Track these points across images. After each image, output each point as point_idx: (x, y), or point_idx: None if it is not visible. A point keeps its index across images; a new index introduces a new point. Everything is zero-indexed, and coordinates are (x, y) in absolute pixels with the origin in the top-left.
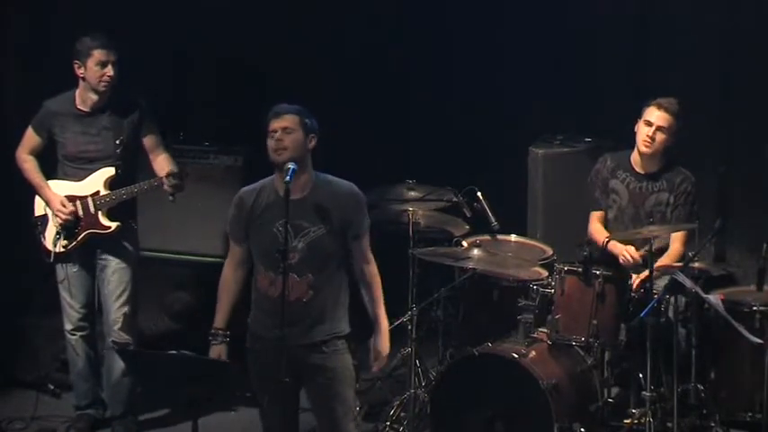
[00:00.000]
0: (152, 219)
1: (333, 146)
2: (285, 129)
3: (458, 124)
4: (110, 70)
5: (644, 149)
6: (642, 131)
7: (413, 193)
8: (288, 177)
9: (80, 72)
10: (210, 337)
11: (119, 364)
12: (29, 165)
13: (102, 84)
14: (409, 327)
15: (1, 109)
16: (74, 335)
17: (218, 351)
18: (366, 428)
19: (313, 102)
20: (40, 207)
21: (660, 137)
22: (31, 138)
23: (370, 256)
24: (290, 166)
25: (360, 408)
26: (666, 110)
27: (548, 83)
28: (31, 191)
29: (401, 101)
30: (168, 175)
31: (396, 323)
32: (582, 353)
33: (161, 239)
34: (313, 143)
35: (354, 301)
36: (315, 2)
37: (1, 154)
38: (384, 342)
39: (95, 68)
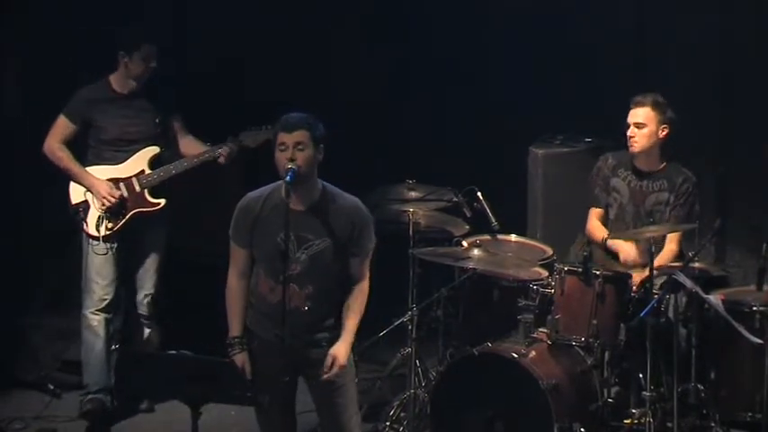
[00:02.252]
0: None
1: (333, 146)
2: (297, 145)
3: (458, 124)
4: (154, 63)
5: (631, 149)
6: (627, 133)
7: (413, 193)
8: (288, 178)
9: (124, 62)
10: (229, 348)
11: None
12: (63, 153)
13: (145, 75)
14: (409, 327)
15: (1, 109)
16: (97, 314)
17: (241, 359)
18: (366, 428)
19: (313, 101)
20: (77, 194)
21: (641, 133)
22: (64, 126)
23: (366, 275)
24: (290, 166)
25: (360, 407)
26: (640, 104)
27: (548, 83)
28: (30, 189)
29: (402, 100)
30: (230, 148)
31: (396, 323)
32: (582, 353)
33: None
34: (322, 154)
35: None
36: None
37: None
38: (343, 350)
39: (141, 61)
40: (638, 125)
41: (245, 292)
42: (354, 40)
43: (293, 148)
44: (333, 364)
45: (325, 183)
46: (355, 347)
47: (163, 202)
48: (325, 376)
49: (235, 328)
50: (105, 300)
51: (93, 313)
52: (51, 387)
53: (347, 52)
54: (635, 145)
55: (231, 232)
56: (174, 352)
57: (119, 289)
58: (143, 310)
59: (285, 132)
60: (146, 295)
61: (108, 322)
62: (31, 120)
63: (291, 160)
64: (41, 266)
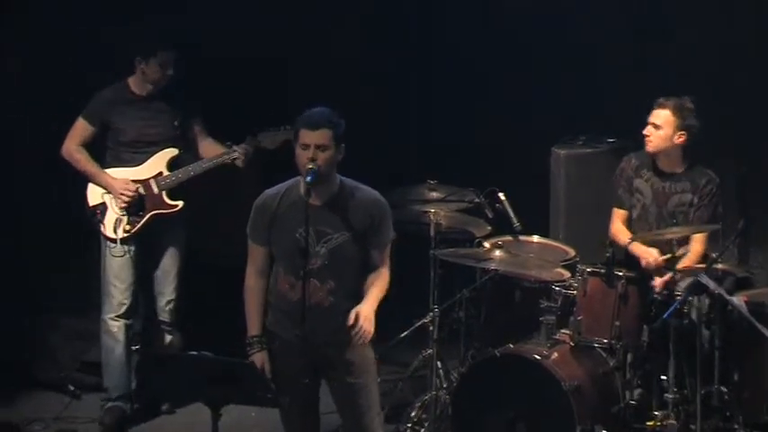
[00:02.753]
0: None
1: (354, 146)
2: (319, 146)
3: (480, 124)
4: (171, 70)
5: (646, 148)
6: (644, 131)
7: (434, 194)
8: (309, 178)
9: (141, 67)
10: (248, 347)
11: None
12: (81, 155)
13: (163, 81)
14: (431, 328)
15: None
16: (117, 320)
17: (260, 358)
18: (388, 430)
19: (333, 100)
20: (95, 196)
21: (657, 134)
22: (83, 128)
23: (387, 264)
24: (311, 165)
25: (381, 408)
26: (662, 106)
27: (571, 83)
28: (44, 188)
29: (423, 101)
30: (246, 149)
31: (417, 324)
32: (604, 354)
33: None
34: (342, 153)
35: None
36: None
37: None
38: (366, 307)
39: (158, 68)
40: (655, 126)
41: (263, 290)
42: (375, 35)
43: (315, 148)
44: (356, 319)
45: (342, 177)
46: (377, 348)
47: (181, 204)
48: (354, 333)
49: (253, 327)
50: (124, 305)
51: (112, 319)
52: (71, 388)
53: (369, 50)
54: (649, 144)
55: (249, 230)
56: (194, 353)
57: (137, 293)
58: (165, 316)
59: (308, 130)
60: (168, 301)
61: (128, 328)
62: (31, 120)
63: (312, 160)
64: (60, 266)
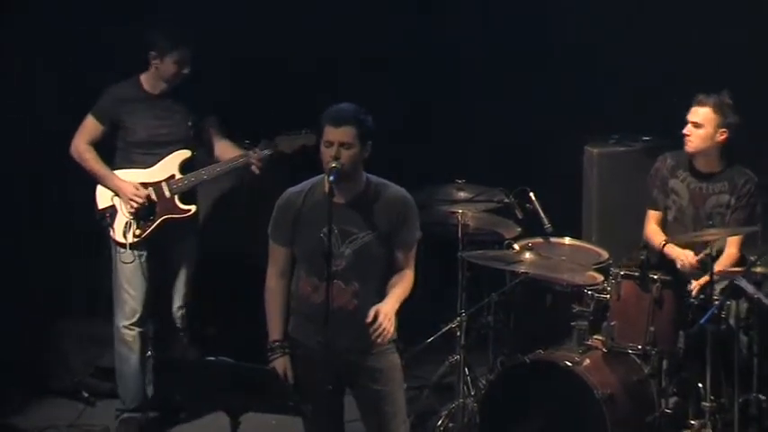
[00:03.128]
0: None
1: (379, 144)
2: (343, 144)
3: (510, 122)
4: (187, 68)
5: (686, 148)
6: (684, 131)
7: (462, 194)
8: (332, 177)
9: (155, 63)
10: (269, 352)
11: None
12: (90, 155)
13: (178, 79)
14: (458, 333)
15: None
16: (131, 329)
17: (282, 364)
18: None
19: (359, 98)
20: (104, 198)
21: (697, 133)
22: (92, 127)
23: (412, 268)
24: (334, 164)
25: (407, 417)
26: (702, 103)
27: (605, 79)
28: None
29: (451, 98)
30: (261, 154)
31: (444, 329)
32: (639, 361)
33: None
34: (369, 151)
35: (403, 305)
36: None
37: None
38: (387, 305)
39: (173, 66)
40: (696, 125)
41: (285, 292)
42: (402, 32)
43: (338, 146)
44: (376, 317)
45: (369, 175)
46: (403, 354)
47: (194, 208)
48: (373, 329)
49: (275, 332)
50: (137, 312)
51: (126, 328)
52: (85, 395)
53: (394, 46)
54: (689, 144)
55: (270, 230)
56: (213, 359)
57: (150, 299)
58: (177, 322)
59: (332, 127)
60: (179, 308)
61: (143, 336)
62: (32, 120)
63: (336, 158)
64: (73, 270)
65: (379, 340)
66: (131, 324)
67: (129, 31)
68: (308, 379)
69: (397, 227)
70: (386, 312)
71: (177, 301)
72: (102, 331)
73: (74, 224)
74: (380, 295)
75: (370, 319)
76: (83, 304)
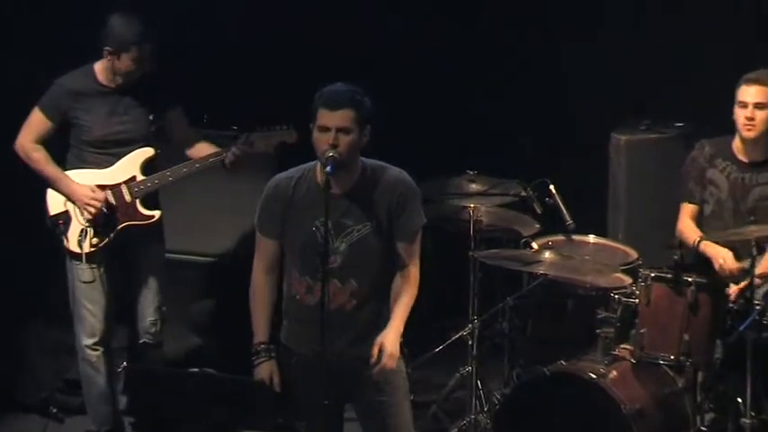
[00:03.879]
0: (169, 214)
1: (384, 133)
2: (341, 129)
3: (527, 106)
4: (147, 65)
5: (747, 134)
6: (740, 115)
7: (474, 186)
8: (329, 168)
9: (109, 59)
10: (254, 356)
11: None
12: (38, 154)
13: (135, 75)
14: (469, 342)
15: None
16: (95, 349)
17: (267, 369)
18: None
19: (363, 82)
20: (57, 203)
21: (762, 115)
22: (39, 123)
23: (416, 262)
24: (331, 153)
25: None
26: (759, 82)
27: (633, 57)
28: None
29: (462, 81)
30: (236, 153)
31: (454, 337)
32: (671, 373)
33: (181, 239)
34: (368, 137)
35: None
36: None
37: None
38: (391, 337)
39: (130, 63)
40: (760, 105)
41: (273, 289)
42: (411, 16)
43: (336, 131)
44: (380, 353)
45: (364, 159)
46: (408, 360)
47: (158, 214)
48: (374, 370)
49: (260, 333)
50: (100, 330)
51: (90, 348)
52: (54, 410)
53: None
54: (751, 129)
55: (257, 221)
56: (195, 370)
57: (113, 316)
58: (148, 338)
59: (327, 110)
60: (151, 323)
61: (107, 354)
62: None
63: (333, 147)
64: (39, 271)
65: (379, 378)
66: (95, 343)
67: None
68: (304, 391)
69: (396, 214)
70: (390, 351)
71: (149, 315)
72: (71, 339)
73: (38, 222)
74: (380, 294)
75: (374, 356)
76: (50, 309)
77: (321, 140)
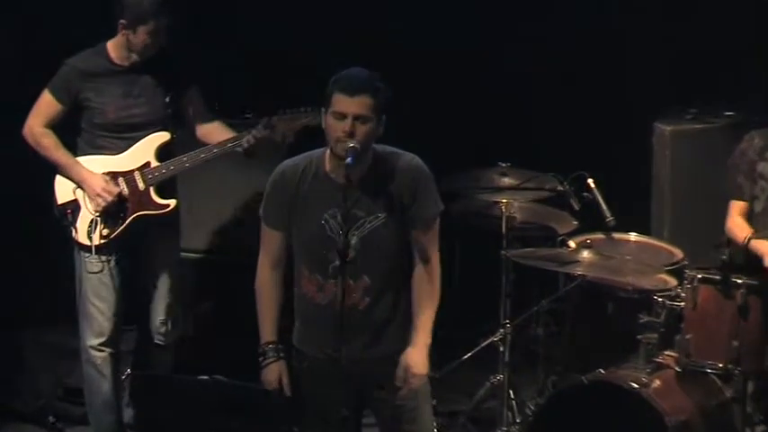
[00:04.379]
0: None
1: (411, 123)
2: (358, 117)
3: (564, 93)
4: (163, 39)
5: None
6: None
7: (507, 180)
8: (349, 160)
9: (124, 33)
10: (261, 357)
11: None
12: (48, 140)
13: (151, 51)
14: (501, 348)
15: None
16: (101, 350)
17: (275, 370)
18: None
19: (388, 70)
20: (65, 191)
21: None
22: (49, 105)
23: (436, 254)
24: (352, 143)
25: None
26: None
27: (678, 40)
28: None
29: (492, 69)
30: (257, 137)
31: (484, 343)
32: (719, 382)
33: (187, 234)
34: (383, 127)
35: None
36: None
37: None
38: (417, 357)
39: (146, 37)
40: None
41: (279, 285)
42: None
43: (353, 119)
44: (406, 374)
45: (375, 146)
46: (433, 364)
47: (173, 203)
48: (402, 392)
49: (267, 332)
50: (108, 329)
51: (95, 349)
52: (52, 420)
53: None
54: None
55: (262, 211)
56: (205, 377)
57: (122, 315)
58: (159, 339)
59: (345, 96)
60: (161, 322)
61: (114, 358)
62: None
63: (350, 135)
64: (37, 271)
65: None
66: (101, 344)
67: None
68: (318, 399)
69: (409, 202)
70: (418, 371)
71: (160, 313)
72: (72, 343)
73: (35, 221)
74: (395, 288)
75: (400, 378)
76: (49, 310)
77: (336, 128)
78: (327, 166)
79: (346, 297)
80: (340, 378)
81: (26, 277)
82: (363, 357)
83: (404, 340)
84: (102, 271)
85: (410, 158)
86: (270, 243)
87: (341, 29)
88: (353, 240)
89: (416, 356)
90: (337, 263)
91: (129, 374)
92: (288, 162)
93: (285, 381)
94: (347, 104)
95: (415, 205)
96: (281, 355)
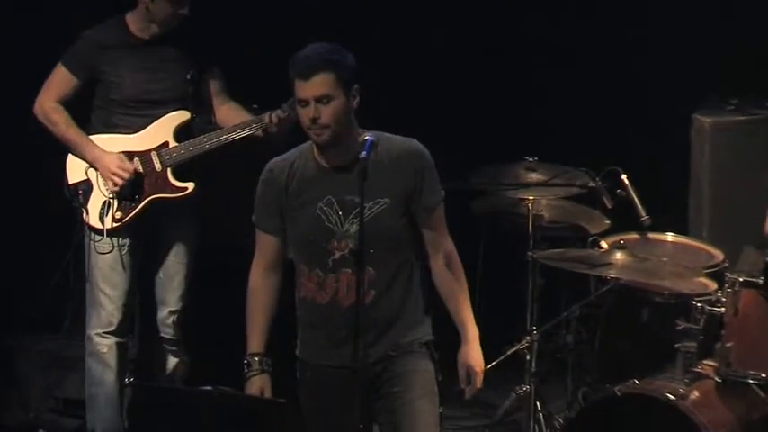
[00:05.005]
0: None
1: (432, 115)
2: (319, 98)
3: (595, 82)
4: (185, 9)
5: None
6: None
7: (534, 176)
8: (365, 153)
9: (145, 1)
10: (246, 368)
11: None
12: (60, 116)
13: (174, 22)
14: (527, 357)
15: None
16: (107, 338)
17: (258, 384)
18: None
19: (409, 60)
20: (77, 171)
21: None
22: (63, 80)
23: (449, 240)
24: (367, 137)
25: None
26: None
27: (717, 25)
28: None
29: (519, 57)
30: (282, 117)
31: (509, 351)
32: (762, 394)
33: None
34: (357, 96)
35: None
36: None
37: None
38: (474, 353)
39: (167, 5)
40: None
41: (271, 293)
42: None
43: (315, 102)
44: (469, 375)
45: (367, 131)
46: (437, 363)
47: (191, 186)
48: (467, 396)
49: (254, 342)
50: (116, 317)
51: (101, 336)
52: None
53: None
54: None
55: (254, 214)
56: (209, 388)
57: (132, 303)
58: (167, 332)
59: (302, 81)
60: (170, 312)
61: (121, 348)
62: None
63: (314, 120)
64: (26, 273)
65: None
66: (107, 332)
67: None
68: (323, 412)
69: (414, 188)
70: (478, 369)
71: (170, 305)
72: (62, 351)
73: (26, 221)
74: (403, 282)
75: (463, 380)
76: (39, 316)
77: (303, 116)
78: (316, 154)
79: (348, 293)
80: (347, 385)
81: (12, 281)
82: (367, 360)
83: (414, 334)
84: (112, 252)
85: (410, 142)
86: (262, 247)
87: (359, 17)
88: (352, 229)
89: (474, 353)
90: (337, 255)
91: (131, 383)
92: (277, 159)
93: (268, 394)
94: (305, 89)
95: (422, 191)
96: (266, 368)
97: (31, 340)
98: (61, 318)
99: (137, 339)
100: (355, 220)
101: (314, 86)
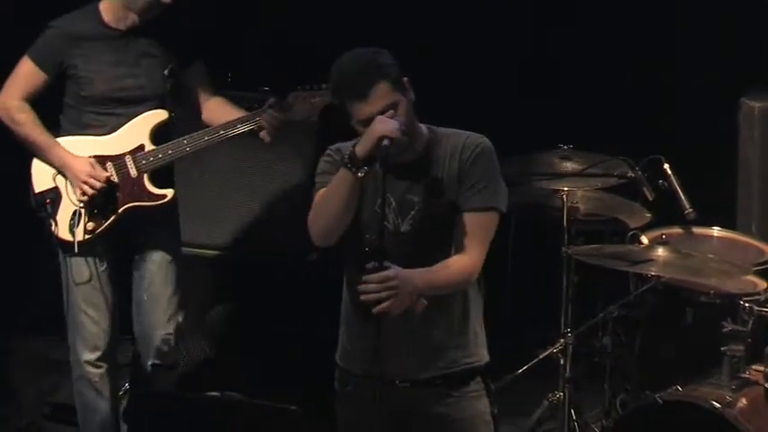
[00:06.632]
0: (183, 198)
1: (461, 101)
2: (384, 110)
3: (634, 64)
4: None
5: None
6: None
7: (569, 165)
8: (387, 141)
9: None
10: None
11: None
12: (25, 116)
13: (154, 11)
14: (561, 361)
15: None
16: (98, 366)
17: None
18: None
19: (437, 47)
20: (44, 178)
21: None
22: (29, 75)
23: (477, 250)
24: (384, 142)
25: None
26: None
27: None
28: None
29: (553, 38)
30: (273, 117)
31: (542, 355)
32: None
33: (191, 228)
34: (412, 90)
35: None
36: None
37: None
38: (408, 272)
39: None
40: None
41: None
42: None
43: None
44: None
45: (429, 126)
46: (494, 396)
47: (170, 193)
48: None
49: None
50: (103, 341)
51: (91, 365)
52: None
53: None
54: None
55: (315, 187)
56: (215, 394)
57: (118, 322)
58: (164, 359)
59: (359, 101)
60: (166, 337)
61: (111, 372)
62: None
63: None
64: (19, 272)
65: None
66: (98, 359)
67: None
68: (363, 425)
69: (461, 180)
70: (393, 276)
71: (160, 327)
72: (55, 354)
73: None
74: (463, 298)
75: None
76: (32, 317)
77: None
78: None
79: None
80: (385, 400)
81: (6, 285)
82: (415, 376)
83: (469, 357)
84: (90, 279)
85: (476, 136)
86: None
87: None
88: (405, 228)
89: (407, 272)
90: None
91: (128, 390)
92: (341, 144)
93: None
94: (366, 108)
95: (467, 184)
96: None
97: (25, 345)
98: (56, 322)
99: (131, 345)
100: (409, 221)
101: (375, 102)
